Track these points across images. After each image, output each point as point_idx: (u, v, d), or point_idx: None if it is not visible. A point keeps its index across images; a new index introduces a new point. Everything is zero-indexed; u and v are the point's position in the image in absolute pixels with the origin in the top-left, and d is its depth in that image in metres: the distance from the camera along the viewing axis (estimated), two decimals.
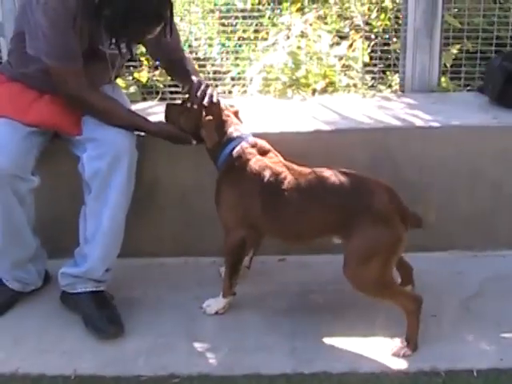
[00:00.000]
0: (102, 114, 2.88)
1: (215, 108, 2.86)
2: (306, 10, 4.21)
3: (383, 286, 2.70)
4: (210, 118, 2.81)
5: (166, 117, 2.98)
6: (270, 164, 2.81)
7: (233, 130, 2.87)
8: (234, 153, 2.84)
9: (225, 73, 4.02)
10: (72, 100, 2.87)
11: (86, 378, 2.68)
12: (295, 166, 2.82)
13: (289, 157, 2.92)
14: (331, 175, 2.74)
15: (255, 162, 2.82)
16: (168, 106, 3.01)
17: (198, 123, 2.83)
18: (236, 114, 2.96)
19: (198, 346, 2.82)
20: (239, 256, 2.92)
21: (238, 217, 2.85)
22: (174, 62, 3.13)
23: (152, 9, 2.66)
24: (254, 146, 2.87)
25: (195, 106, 2.84)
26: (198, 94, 2.86)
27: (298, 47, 3.83)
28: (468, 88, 3.79)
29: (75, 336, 2.90)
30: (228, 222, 2.88)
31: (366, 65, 3.90)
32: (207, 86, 2.90)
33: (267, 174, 2.78)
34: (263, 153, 2.86)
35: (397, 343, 2.73)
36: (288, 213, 2.78)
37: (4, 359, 2.80)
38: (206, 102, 2.84)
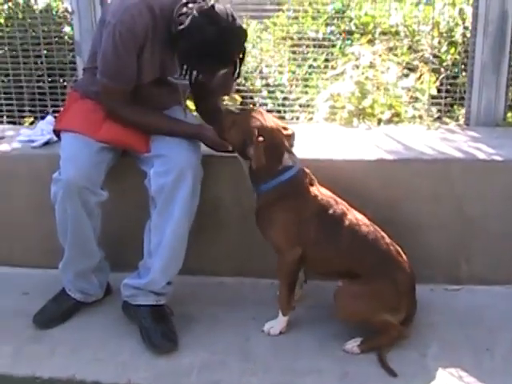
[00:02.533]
0: (141, 125, 2.99)
1: (269, 130, 2.88)
2: (377, 41, 4.27)
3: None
4: (262, 139, 2.83)
5: (220, 122, 2.98)
6: (324, 195, 2.93)
7: (287, 157, 2.91)
8: (292, 181, 2.90)
9: (294, 100, 4.09)
10: (111, 113, 2.98)
11: None
12: (340, 200, 2.96)
13: (351, 184, 3.05)
14: (374, 232, 2.94)
15: (311, 191, 2.92)
16: (226, 111, 3.05)
17: (246, 139, 2.85)
18: (289, 136, 2.97)
19: (250, 364, 2.85)
20: (295, 274, 2.97)
21: (293, 237, 2.90)
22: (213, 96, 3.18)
23: (228, 49, 2.77)
24: (306, 176, 2.95)
25: (254, 122, 2.87)
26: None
27: (366, 77, 3.88)
28: None
29: (132, 348, 2.97)
30: (283, 242, 2.93)
31: (433, 97, 3.92)
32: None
33: (323, 203, 2.90)
34: (311, 183, 2.95)
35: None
36: (331, 244, 2.90)
37: (62, 365, 2.89)
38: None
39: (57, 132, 3.17)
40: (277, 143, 2.89)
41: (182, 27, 2.72)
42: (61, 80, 4.14)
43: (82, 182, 2.87)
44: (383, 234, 2.96)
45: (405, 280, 2.91)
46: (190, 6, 2.75)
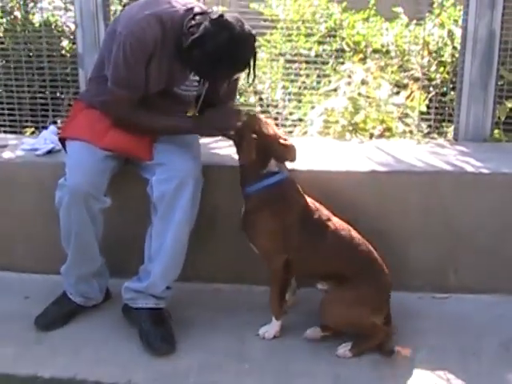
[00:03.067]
0: (147, 128, 3.08)
1: (265, 133, 3.00)
2: (368, 60, 4.40)
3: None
4: (255, 136, 2.96)
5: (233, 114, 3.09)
6: (309, 202, 3.05)
7: (274, 163, 3.03)
8: (277, 186, 3.02)
9: (286, 116, 4.21)
10: (118, 120, 3.07)
11: None
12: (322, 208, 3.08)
13: (344, 195, 3.19)
14: (356, 235, 3.06)
15: (298, 197, 3.04)
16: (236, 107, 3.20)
17: (242, 135, 2.98)
18: (286, 147, 3.06)
19: (246, 366, 2.95)
20: (285, 279, 3.08)
21: (280, 243, 3.01)
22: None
23: (241, 53, 2.88)
24: (292, 184, 3.07)
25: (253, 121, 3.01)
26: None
27: (359, 93, 4.00)
28: None
29: (131, 350, 3.05)
30: (270, 248, 3.04)
31: (422, 114, 4.05)
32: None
33: (308, 210, 3.03)
34: (297, 191, 3.07)
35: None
36: (314, 249, 3.01)
37: (63, 366, 2.97)
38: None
39: (62, 140, 3.26)
40: (267, 147, 2.99)
41: (194, 37, 2.82)
42: (61, 92, 4.26)
43: (87, 188, 2.97)
44: (362, 238, 3.08)
45: (385, 281, 3.05)
46: (199, 17, 2.87)
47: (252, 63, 2.96)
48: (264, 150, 2.98)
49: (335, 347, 3.00)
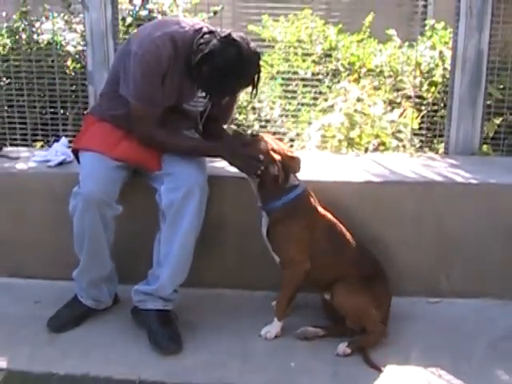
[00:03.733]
0: (168, 146, 3.25)
1: (281, 151, 3.19)
2: (362, 80, 4.58)
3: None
4: (279, 157, 3.14)
5: (229, 142, 3.24)
6: (327, 212, 3.27)
7: (293, 177, 3.23)
8: (299, 198, 3.21)
9: (284, 133, 4.40)
10: (141, 135, 3.22)
11: None
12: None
13: (343, 203, 3.40)
14: (363, 246, 3.31)
15: (318, 208, 3.25)
16: (235, 133, 3.33)
17: (267, 160, 3.13)
18: (293, 159, 3.26)
19: (249, 364, 3.11)
20: (300, 285, 3.25)
21: (305, 252, 3.19)
22: (215, 119, 3.42)
23: (247, 69, 3.07)
24: (311, 194, 3.26)
25: (265, 145, 3.16)
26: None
27: (355, 110, 4.18)
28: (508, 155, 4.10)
29: (140, 350, 3.20)
30: (295, 256, 3.21)
31: (414, 129, 4.24)
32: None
33: (329, 219, 3.26)
34: (315, 201, 3.28)
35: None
36: (338, 255, 3.23)
37: (75, 364, 3.11)
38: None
39: (75, 151, 3.41)
40: (286, 163, 3.18)
41: (204, 53, 3.01)
42: (69, 107, 4.44)
43: (100, 195, 3.13)
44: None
45: (387, 283, 3.27)
46: (207, 36, 3.06)
47: (256, 79, 3.15)
48: (284, 168, 3.16)
49: (334, 347, 3.15)
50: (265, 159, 3.13)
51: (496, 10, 3.83)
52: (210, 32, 3.12)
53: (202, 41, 3.07)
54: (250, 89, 3.19)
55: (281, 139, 4.22)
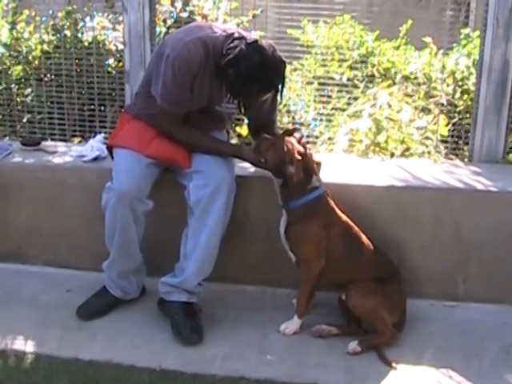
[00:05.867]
0: (190, 144, 3.39)
1: (304, 153, 3.28)
2: (397, 86, 4.62)
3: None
4: (300, 158, 3.24)
5: (257, 147, 3.38)
6: (344, 214, 3.36)
7: (315, 178, 3.33)
8: (319, 200, 3.31)
9: (317, 137, 4.49)
10: (164, 132, 3.37)
11: (169, 372, 3.12)
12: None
13: (364, 207, 3.54)
14: (380, 249, 3.40)
15: (336, 210, 3.35)
16: (260, 137, 3.41)
17: (284, 159, 3.23)
18: (315, 162, 3.38)
19: (267, 357, 3.23)
20: (317, 284, 3.36)
21: (321, 251, 3.30)
22: (263, 125, 3.52)
23: (270, 75, 3.18)
24: (330, 197, 3.36)
25: (289, 145, 3.26)
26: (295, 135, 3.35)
27: (381, 115, 4.24)
28: None
29: (163, 339, 3.34)
30: (312, 256, 3.31)
31: (442, 136, 4.28)
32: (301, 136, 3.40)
33: (346, 221, 3.36)
34: (334, 203, 3.38)
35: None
36: (354, 257, 3.34)
37: (101, 350, 3.26)
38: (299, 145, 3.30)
39: (109, 148, 3.56)
40: (308, 164, 3.29)
41: (230, 57, 3.14)
42: (107, 104, 4.58)
43: (132, 191, 3.27)
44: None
45: (404, 289, 3.35)
46: (236, 41, 3.18)
47: (280, 87, 3.26)
48: (306, 169, 3.27)
49: (347, 344, 3.26)
50: (286, 159, 3.23)
51: None
52: (240, 37, 3.24)
53: (231, 45, 3.20)
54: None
55: (313, 142, 4.34)
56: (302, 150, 3.29)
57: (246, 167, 3.64)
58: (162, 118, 3.33)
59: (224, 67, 3.18)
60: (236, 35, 3.28)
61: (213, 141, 3.45)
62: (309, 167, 3.30)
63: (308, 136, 4.41)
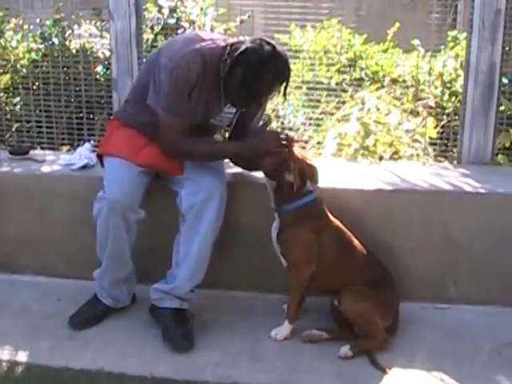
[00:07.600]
0: (194, 155, 3.36)
1: (300, 158, 3.28)
2: (385, 89, 4.64)
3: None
4: (298, 164, 3.24)
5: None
6: (336, 219, 3.36)
7: (309, 183, 3.32)
8: (311, 204, 3.31)
9: (306, 141, 4.49)
10: (167, 145, 3.32)
11: (160, 380, 3.10)
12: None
13: (353, 210, 3.51)
14: (372, 253, 3.39)
15: (328, 215, 3.35)
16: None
17: (281, 166, 3.23)
18: (310, 166, 3.34)
19: (259, 363, 3.21)
20: (307, 289, 3.35)
21: (312, 255, 3.29)
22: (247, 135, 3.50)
23: (281, 68, 3.18)
24: (322, 202, 3.36)
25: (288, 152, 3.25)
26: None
27: (370, 118, 4.25)
28: None
29: (154, 347, 3.32)
30: (302, 261, 3.31)
31: (431, 138, 4.31)
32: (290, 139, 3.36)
33: (338, 226, 3.36)
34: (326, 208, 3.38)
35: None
36: (339, 262, 3.33)
37: (91, 360, 3.23)
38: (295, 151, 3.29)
39: (99, 156, 3.54)
40: (303, 169, 3.28)
41: (237, 53, 3.13)
42: (95, 112, 4.59)
43: (124, 201, 3.25)
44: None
45: (397, 293, 3.35)
46: (238, 44, 3.18)
47: (285, 83, 3.24)
48: (301, 173, 3.26)
49: (339, 349, 3.25)
50: (283, 166, 3.23)
51: (509, 23, 3.89)
52: (239, 42, 3.24)
53: (234, 47, 3.19)
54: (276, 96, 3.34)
55: (302, 147, 4.33)
56: (299, 154, 3.30)
57: (236, 173, 3.64)
58: (166, 131, 3.27)
59: (230, 67, 3.17)
60: (235, 42, 3.26)
61: (214, 143, 3.47)
62: (304, 171, 3.29)
63: (297, 141, 4.39)
